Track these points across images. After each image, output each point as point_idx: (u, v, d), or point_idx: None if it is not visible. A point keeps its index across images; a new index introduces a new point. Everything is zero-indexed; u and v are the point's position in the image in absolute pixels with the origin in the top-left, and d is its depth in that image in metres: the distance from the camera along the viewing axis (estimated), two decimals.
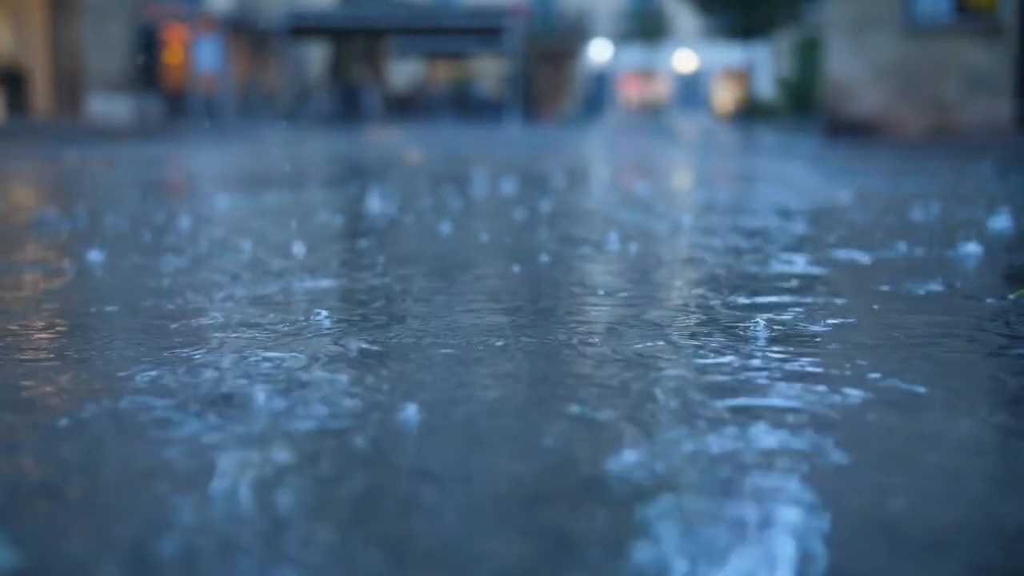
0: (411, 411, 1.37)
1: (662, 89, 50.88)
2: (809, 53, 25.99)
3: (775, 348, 1.78)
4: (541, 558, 0.94)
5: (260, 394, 1.47)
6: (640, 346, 1.80)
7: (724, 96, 48.33)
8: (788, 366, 1.65)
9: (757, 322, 1.94)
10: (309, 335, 1.90)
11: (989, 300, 2.32)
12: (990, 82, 13.97)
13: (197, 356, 1.72)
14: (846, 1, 14.55)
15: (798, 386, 1.52)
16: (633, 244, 3.27)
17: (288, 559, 0.94)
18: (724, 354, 1.74)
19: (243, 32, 35.25)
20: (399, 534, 0.99)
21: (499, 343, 1.83)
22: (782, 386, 1.52)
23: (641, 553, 0.95)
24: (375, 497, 1.09)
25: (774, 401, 1.45)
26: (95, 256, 2.97)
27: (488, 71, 45.35)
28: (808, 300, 2.29)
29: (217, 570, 0.92)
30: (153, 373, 1.60)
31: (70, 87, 23.15)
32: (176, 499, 1.08)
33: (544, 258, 2.98)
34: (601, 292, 2.42)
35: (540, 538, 0.98)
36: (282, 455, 1.21)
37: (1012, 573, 0.93)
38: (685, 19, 46.61)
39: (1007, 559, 0.95)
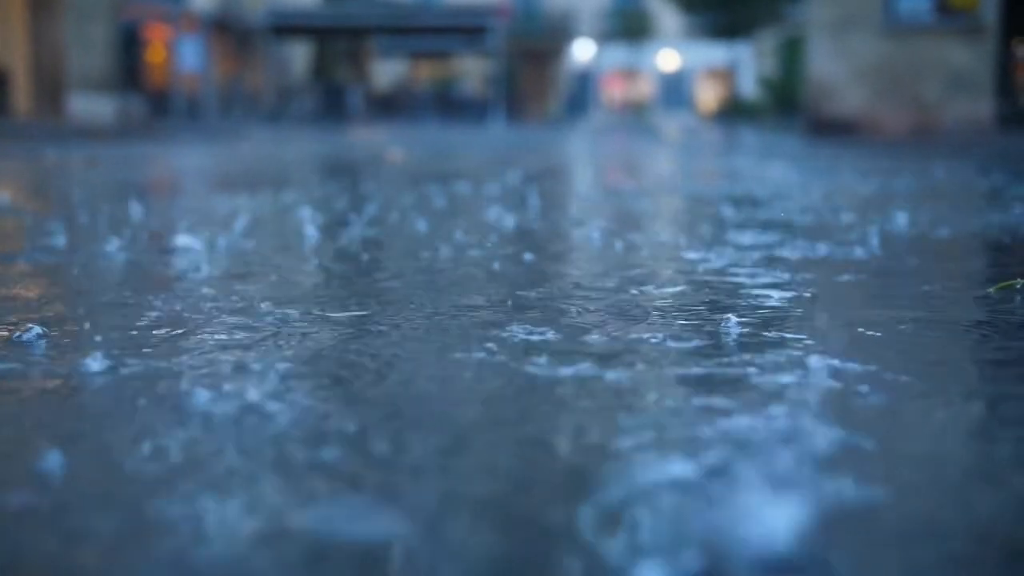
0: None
1: (645, 88, 50.96)
2: (791, 53, 26.09)
3: (747, 342, 1.78)
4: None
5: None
6: (608, 337, 1.80)
7: (707, 95, 48.44)
8: (762, 359, 1.65)
9: (729, 318, 1.95)
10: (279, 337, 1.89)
11: (971, 293, 2.33)
12: (971, 81, 14.04)
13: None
14: (828, 1, 14.60)
15: (774, 376, 1.53)
16: (618, 244, 3.27)
17: None
18: (699, 348, 1.74)
19: (226, 31, 35.14)
20: None
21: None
22: (757, 376, 1.53)
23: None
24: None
25: (750, 390, 1.45)
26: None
27: (471, 71, 45.36)
28: (788, 296, 2.30)
29: None
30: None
31: (51, 87, 23.04)
32: None
33: (528, 256, 2.98)
34: (585, 288, 2.43)
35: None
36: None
37: (985, 562, 0.93)
38: (668, 19, 46.72)
39: (980, 548, 0.95)
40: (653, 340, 1.82)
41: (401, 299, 2.26)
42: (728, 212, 4.30)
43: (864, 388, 1.49)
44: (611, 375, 1.57)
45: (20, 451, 1.23)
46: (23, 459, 1.20)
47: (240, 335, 1.86)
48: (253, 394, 1.45)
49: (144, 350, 1.74)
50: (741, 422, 1.32)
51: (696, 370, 1.60)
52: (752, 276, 2.58)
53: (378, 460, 1.18)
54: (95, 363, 1.61)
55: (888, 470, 1.15)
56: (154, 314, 2.08)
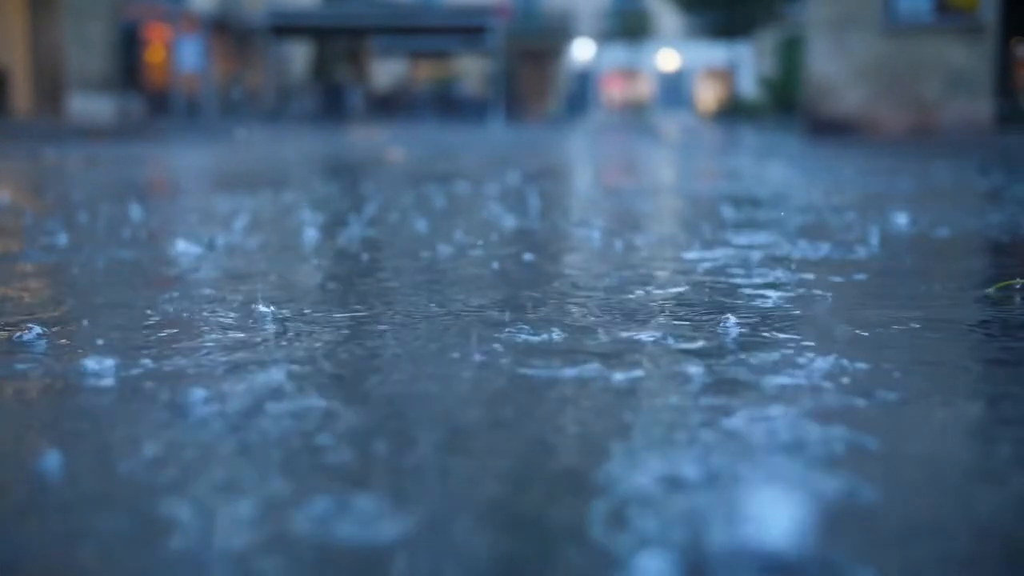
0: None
1: (645, 88, 50.93)
2: (791, 52, 26.08)
3: (747, 343, 1.78)
4: None
5: None
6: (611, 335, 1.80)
7: (707, 95, 48.42)
8: (761, 359, 1.65)
9: (728, 318, 1.95)
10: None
11: (971, 293, 2.33)
12: (970, 81, 14.04)
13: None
14: (827, 0, 14.59)
15: (774, 376, 1.53)
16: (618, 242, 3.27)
17: None
18: (698, 344, 1.74)
19: (225, 31, 35.13)
20: None
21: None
22: (756, 376, 1.53)
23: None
24: None
25: (750, 390, 1.45)
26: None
27: (471, 70, 45.35)
28: (788, 296, 2.30)
29: None
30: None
31: (51, 86, 23.04)
32: None
33: (528, 256, 2.98)
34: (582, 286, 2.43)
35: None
36: None
37: (985, 561, 0.93)
38: (668, 18, 46.71)
39: (980, 548, 0.95)
40: (653, 340, 1.82)
41: (401, 299, 2.26)
42: (728, 212, 4.30)
43: (864, 388, 1.49)
44: (611, 375, 1.57)
45: (20, 451, 1.23)
46: (23, 459, 1.20)
47: (240, 335, 1.86)
48: (252, 394, 1.45)
49: (144, 350, 1.74)
50: (741, 422, 1.32)
51: (696, 370, 1.60)
52: (752, 276, 2.58)
53: (378, 460, 1.18)
54: (95, 363, 1.61)
55: (888, 470, 1.15)
56: (154, 314, 2.08)
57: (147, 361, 1.66)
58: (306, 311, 2.10)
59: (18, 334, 1.84)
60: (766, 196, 5.08)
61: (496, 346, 1.77)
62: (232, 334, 1.87)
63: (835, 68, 14.58)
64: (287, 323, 1.98)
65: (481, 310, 2.12)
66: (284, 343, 1.79)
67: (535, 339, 1.82)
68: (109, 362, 1.62)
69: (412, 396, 1.46)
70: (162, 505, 1.04)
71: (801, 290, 2.38)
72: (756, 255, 2.97)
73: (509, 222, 3.88)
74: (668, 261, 2.90)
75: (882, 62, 14.39)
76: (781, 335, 1.86)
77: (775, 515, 1.02)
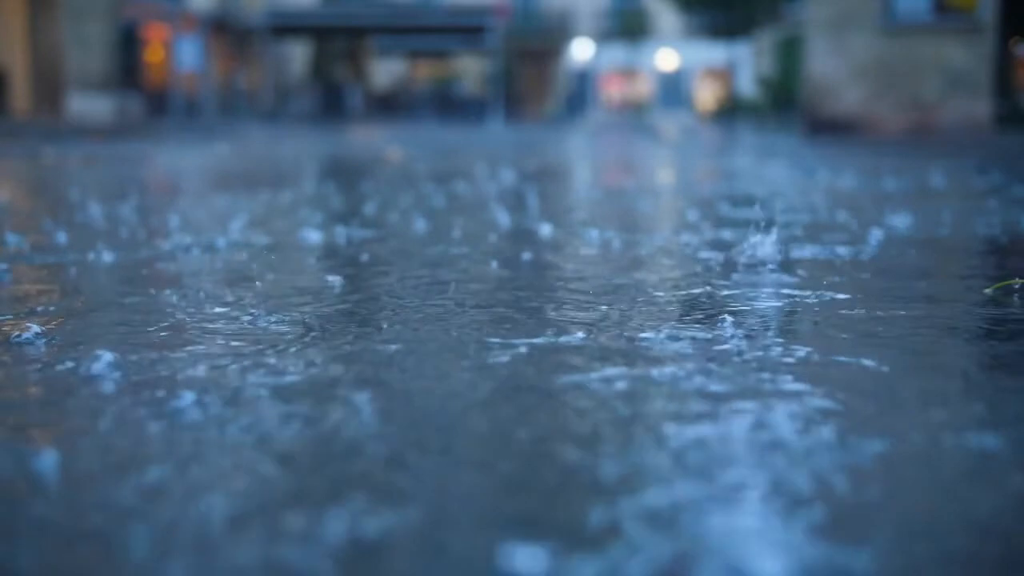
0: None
1: (644, 88, 50.92)
2: (790, 52, 26.09)
3: (746, 343, 1.79)
4: None
5: None
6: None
7: (706, 95, 48.41)
8: (761, 359, 1.65)
9: (725, 318, 1.95)
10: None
11: (970, 293, 2.33)
12: (969, 81, 14.04)
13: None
14: (827, 0, 14.60)
15: (773, 376, 1.53)
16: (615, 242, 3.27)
17: None
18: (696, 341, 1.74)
19: (224, 31, 35.12)
20: None
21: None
22: (756, 376, 1.53)
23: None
24: None
25: (749, 390, 1.45)
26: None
27: (470, 70, 45.36)
28: (788, 296, 2.30)
29: None
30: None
31: (50, 86, 23.02)
32: None
33: (526, 256, 2.98)
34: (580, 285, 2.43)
35: None
36: None
37: (983, 560, 0.93)
38: (667, 18, 46.71)
39: (979, 547, 0.95)
40: (651, 340, 1.82)
41: (401, 299, 2.26)
42: (727, 211, 4.30)
43: (864, 387, 1.49)
44: (610, 375, 1.57)
45: (19, 451, 1.23)
46: (22, 459, 1.20)
47: (238, 336, 1.86)
48: (251, 394, 1.45)
49: (143, 350, 1.74)
50: (740, 422, 1.32)
51: (694, 370, 1.60)
52: (751, 276, 2.58)
53: (378, 461, 1.18)
54: (94, 363, 1.61)
55: (887, 468, 1.15)
56: (153, 314, 2.08)
57: (146, 361, 1.66)
58: (305, 311, 2.10)
59: (17, 334, 1.84)
60: (765, 196, 5.08)
61: (496, 346, 1.77)
62: (231, 334, 1.87)
63: (834, 68, 14.58)
64: (286, 324, 1.98)
65: (480, 310, 2.12)
66: (284, 344, 1.79)
67: (535, 339, 1.82)
68: (108, 362, 1.62)
69: (411, 396, 1.46)
70: (161, 505, 1.04)
71: (802, 290, 2.38)
72: (756, 255, 2.97)
73: (508, 222, 3.88)
74: (668, 261, 2.90)
75: (881, 62, 14.40)
76: (780, 336, 1.86)
77: (776, 515, 1.02)
